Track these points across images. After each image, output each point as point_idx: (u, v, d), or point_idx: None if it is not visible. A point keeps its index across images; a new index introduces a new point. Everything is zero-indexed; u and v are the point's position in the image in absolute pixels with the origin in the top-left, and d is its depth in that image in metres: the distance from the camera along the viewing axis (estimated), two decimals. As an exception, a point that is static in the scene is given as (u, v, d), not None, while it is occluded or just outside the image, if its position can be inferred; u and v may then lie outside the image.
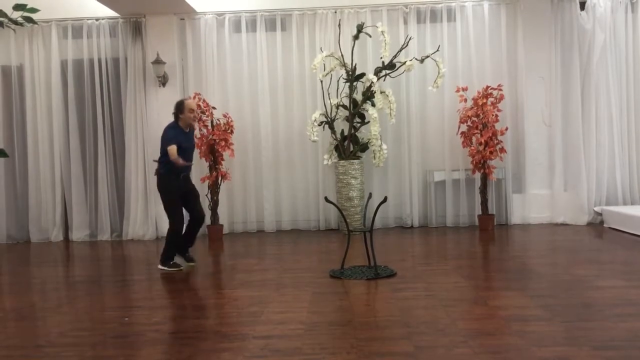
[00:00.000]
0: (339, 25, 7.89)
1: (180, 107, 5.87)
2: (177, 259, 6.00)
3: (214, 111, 7.88)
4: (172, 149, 5.61)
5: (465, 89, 7.76)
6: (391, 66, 7.73)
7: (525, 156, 8.11)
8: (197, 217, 6.04)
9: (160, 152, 5.85)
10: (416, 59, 7.74)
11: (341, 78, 7.90)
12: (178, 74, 8.25)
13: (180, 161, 5.64)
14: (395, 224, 8.32)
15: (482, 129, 7.60)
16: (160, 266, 5.95)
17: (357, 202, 7.76)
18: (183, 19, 8.32)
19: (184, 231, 6.01)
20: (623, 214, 7.28)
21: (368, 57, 8.09)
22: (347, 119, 7.89)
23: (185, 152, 5.85)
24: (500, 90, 7.70)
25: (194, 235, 6.10)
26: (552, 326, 3.74)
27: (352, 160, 7.76)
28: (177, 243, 5.93)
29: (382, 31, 7.58)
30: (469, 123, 7.70)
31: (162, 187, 5.88)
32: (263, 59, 8.26)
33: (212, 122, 7.83)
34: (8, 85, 8.34)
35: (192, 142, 6.10)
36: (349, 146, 7.85)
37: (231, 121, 7.92)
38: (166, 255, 5.93)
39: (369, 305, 4.51)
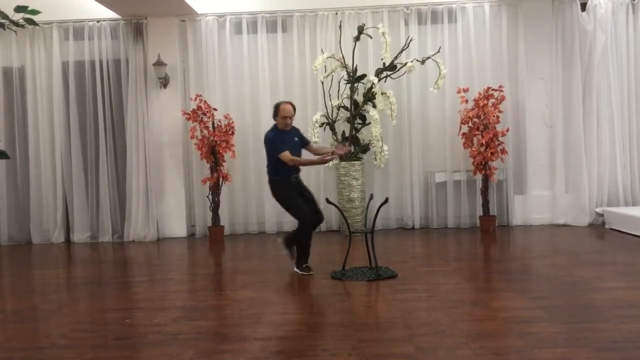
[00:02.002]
0: (340, 26, 7.89)
1: (275, 111, 5.62)
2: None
3: (215, 112, 7.88)
4: (284, 155, 5.39)
5: (466, 90, 7.75)
6: (392, 67, 7.72)
7: (526, 157, 8.11)
8: (316, 219, 5.65)
9: (267, 159, 5.61)
10: (417, 60, 7.74)
11: (342, 79, 7.90)
12: (179, 75, 8.26)
13: (300, 160, 5.52)
14: (396, 225, 8.30)
15: (483, 130, 7.59)
16: (295, 269, 5.60)
17: (358, 204, 7.75)
18: (184, 21, 8.33)
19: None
20: (624, 215, 7.27)
21: (369, 58, 8.09)
22: (348, 120, 7.89)
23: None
24: (501, 91, 7.70)
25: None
26: (553, 328, 3.73)
27: (353, 162, 7.76)
28: (306, 242, 5.60)
29: (383, 32, 7.57)
30: (470, 124, 7.69)
31: (276, 191, 5.63)
32: (264, 61, 8.25)
33: (213, 123, 7.83)
34: (9, 86, 8.35)
35: (293, 141, 5.66)
36: (350, 147, 7.85)
37: (232, 122, 7.93)
38: (300, 257, 5.60)
39: (370, 307, 4.51)
